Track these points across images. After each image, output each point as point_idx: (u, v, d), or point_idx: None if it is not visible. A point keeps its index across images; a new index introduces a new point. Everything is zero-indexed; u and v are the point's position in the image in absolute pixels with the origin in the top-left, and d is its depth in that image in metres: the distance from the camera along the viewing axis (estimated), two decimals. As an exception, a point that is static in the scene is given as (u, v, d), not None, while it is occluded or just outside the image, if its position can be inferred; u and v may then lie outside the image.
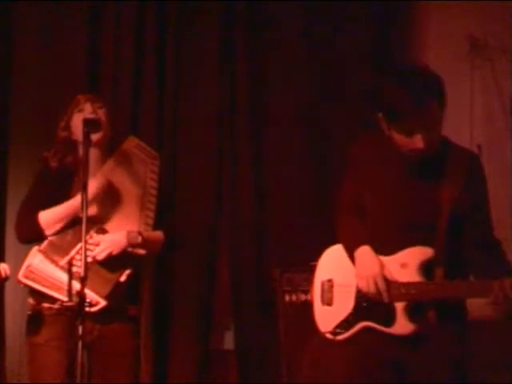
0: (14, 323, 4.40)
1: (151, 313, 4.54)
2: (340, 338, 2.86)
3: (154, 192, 3.32)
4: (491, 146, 4.43)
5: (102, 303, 3.14)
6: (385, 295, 2.77)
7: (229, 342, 4.74)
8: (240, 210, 4.71)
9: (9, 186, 4.52)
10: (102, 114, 3.30)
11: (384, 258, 2.82)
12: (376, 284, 2.78)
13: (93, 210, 3.20)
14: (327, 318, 2.92)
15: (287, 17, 4.80)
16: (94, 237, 3.21)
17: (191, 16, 4.76)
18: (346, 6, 4.78)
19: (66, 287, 3.15)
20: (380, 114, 2.77)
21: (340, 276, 2.94)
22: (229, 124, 4.76)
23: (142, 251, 3.26)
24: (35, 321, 3.24)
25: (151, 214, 3.30)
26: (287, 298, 4.22)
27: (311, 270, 4.04)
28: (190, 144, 4.72)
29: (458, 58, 4.59)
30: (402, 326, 2.76)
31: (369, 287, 2.80)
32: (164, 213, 3.37)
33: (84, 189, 3.01)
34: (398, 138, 2.74)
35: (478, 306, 4.36)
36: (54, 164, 3.32)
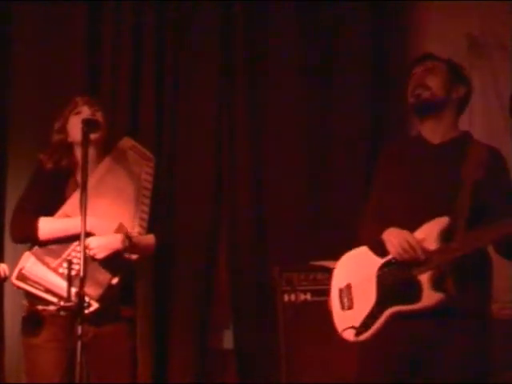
0: (13, 323, 4.39)
1: (150, 312, 4.54)
2: (364, 336, 2.88)
3: (148, 193, 3.32)
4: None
5: (95, 305, 3.13)
6: (418, 251, 2.81)
7: (228, 341, 4.75)
8: (239, 210, 4.71)
9: (8, 186, 4.52)
10: (99, 116, 3.32)
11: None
12: (408, 242, 2.82)
13: (91, 222, 3.15)
14: (350, 321, 2.94)
15: (286, 13, 4.81)
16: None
17: (190, 16, 4.76)
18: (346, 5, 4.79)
19: (57, 290, 3.14)
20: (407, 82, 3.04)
21: (358, 277, 2.97)
22: (228, 124, 4.76)
23: (133, 256, 3.26)
24: (30, 322, 3.24)
25: (145, 216, 3.29)
26: (286, 297, 4.22)
27: (310, 270, 4.06)
28: (189, 144, 4.72)
29: (456, 57, 4.57)
30: (429, 297, 2.78)
31: (402, 247, 2.83)
32: (159, 217, 3.36)
33: (83, 188, 3.01)
34: (410, 86, 3.00)
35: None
36: (49, 166, 3.33)
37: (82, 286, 2.94)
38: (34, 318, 3.23)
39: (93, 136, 3.22)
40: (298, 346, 4.03)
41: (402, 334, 2.83)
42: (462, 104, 3.05)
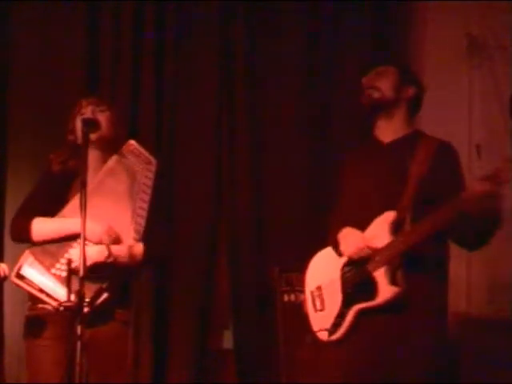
0: (13, 323, 4.40)
1: (150, 313, 4.54)
2: (335, 336, 2.95)
3: (146, 198, 3.29)
4: (490, 146, 4.42)
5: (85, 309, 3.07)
6: (366, 250, 2.92)
7: (227, 341, 4.75)
8: (239, 211, 4.71)
9: (8, 185, 4.51)
10: (103, 116, 3.31)
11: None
12: (358, 242, 2.94)
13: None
14: (323, 323, 3.01)
15: (286, 13, 4.81)
16: (75, 246, 3.17)
17: (190, 16, 4.76)
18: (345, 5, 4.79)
19: (48, 290, 3.14)
20: None
21: (326, 278, 3.04)
22: (228, 125, 4.76)
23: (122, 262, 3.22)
24: (32, 321, 3.25)
25: (141, 221, 3.26)
26: (286, 297, 4.22)
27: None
28: (189, 144, 4.72)
29: (456, 57, 4.59)
30: (384, 292, 2.86)
31: (354, 246, 2.95)
32: (154, 227, 3.30)
33: (83, 188, 3.00)
34: (362, 89, 3.14)
35: (477, 304, 4.39)
36: (56, 167, 3.35)
37: (81, 286, 2.93)
38: (36, 318, 3.24)
39: (92, 136, 3.21)
40: (297, 345, 4.03)
41: (369, 331, 2.90)
42: (413, 103, 3.13)
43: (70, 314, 2.98)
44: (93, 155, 3.25)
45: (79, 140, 3.31)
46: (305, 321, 3.10)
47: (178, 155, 4.69)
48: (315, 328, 3.05)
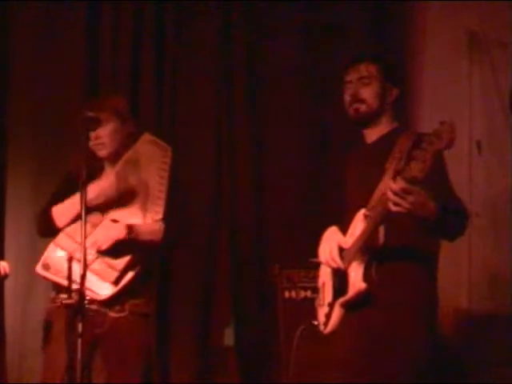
0: (15, 319, 4.41)
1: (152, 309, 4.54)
2: (327, 329, 2.99)
3: (164, 181, 3.38)
4: (491, 142, 4.44)
5: (110, 289, 3.20)
6: (337, 261, 2.94)
7: (228, 338, 4.75)
8: (239, 208, 4.72)
9: (8, 184, 4.51)
10: (104, 133, 3.34)
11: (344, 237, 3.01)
12: (330, 253, 2.97)
13: (103, 203, 3.29)
14: (322, 315, 3.05)
15: (286, 13, 4.79)
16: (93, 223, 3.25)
17: (190, 14, 4.75)
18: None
19: (75, 276, 3.14)
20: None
21: (327, 275, 3.06)
22: (228, 125, 4.76)
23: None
24: (51, 314, 3.30)
25: (160, 203, 3.34)
26: (287, 294, 4.23)
27: (310, 267, 4.05)
28: (189, 144, 4.72)
29: (456, 52, 4.58)
30: (353, 286, 2.87)
31: (325, 257, 2.99)
32: (173, 206, 3.38)
33: (83, 186, 3.02)
34: (346, 95, 3.07)
35: (478, 300, 4.39)
36: (76, 169, 3.32)
37: (82, 284, 2.94)
38: (55, 309, 3.26)
39: (101, 153, 3.34)
40: (298, 343, 4.03)
41: (351, 324, 2.92)
42: (397, 103, 3.13)
43: (70, 311, 3.00)
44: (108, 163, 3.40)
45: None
46: (312, 315, 3.12)
47: (177, 154, 4.67)
48: (317, 322, 3.09)
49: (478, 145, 4.35)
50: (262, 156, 4.77)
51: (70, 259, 3.14)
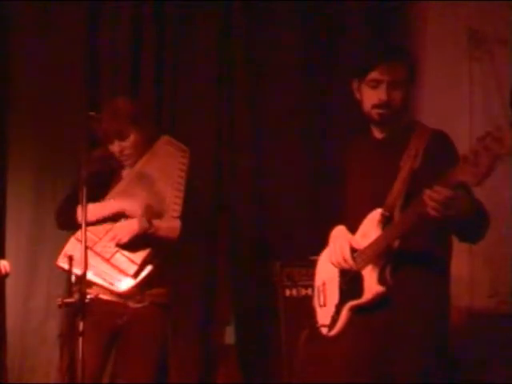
0: (16, 319, 4.41)
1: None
2: (333, 332, 2.93)
3: (183, 181, 3.46)
4: (491, 139, 4.43)
5: (129, 282, 3.27)
6: (349, 262, 2.86)
7: (229, 336, 4.75)
8: (240, 205, 4.72)
9: (8, 182, 4.51)
10: (127, 145, 3.43)
11: (354, 235, 2.91)
12: (342, 254, 2.88)
13: (123, 203, 3.39)
14: (324, 318, 3.00)
15: (286, 11, 4.80)
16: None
17: (190, 14, 4.75)
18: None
19: (99, 271, 3.28)
20: (354, 82, 2.94)
21: (329, 274, 3.00)
22: (228, 120, 4.76)
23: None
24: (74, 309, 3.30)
25: (179, 202, 3.42)
26: (287, 292, 4.23)
27: (311, 265, 4.05)
28: (189, 141, 4.70)
29: (457, 50, 4.58)
30: (369, 290, 2.81)
31: (337, 258, 2.89)
32: (191, 204, 3.45)
33: (83, 185, 3.01)
34: (365, 93, 2.89)
35: (479, 299, 4.39)
36: (97, 165, 3.44)
37: (83, 282, 2.94)
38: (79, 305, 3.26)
39: (122, 158, 3.44)
40: (299, 340, 4.03)
41: (364, 328, 2.85)
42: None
43: (71, 309, 3.00)
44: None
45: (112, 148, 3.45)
46: (311, 315, 3.08)
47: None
48: (319, 323, 3.04)
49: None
50: (263, 152, 4.77)
51: (71, 258, 3.14)
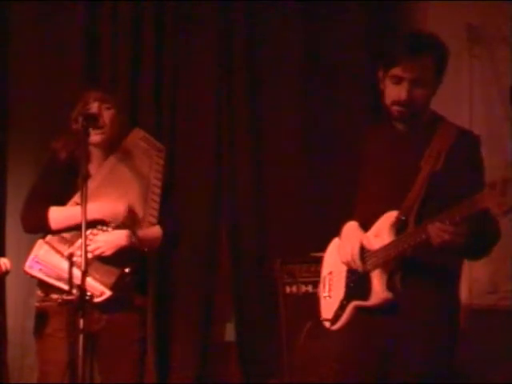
0: (16, 317, 4.41)
1: (152, 306, 4.54)
2: (336, 326, 2.89)
3: (159, 183, 3.35)
4: (491, 136, 4.43)
5: (107, 293, 3.18)
6: (357, 263, 2.79)
7: (230, 333, 4.76)
8: (240, 203, 4.72)
9: (9, 180, 4.52)
10: (108, 115, 3.30)
11: (367, 233, 2.84)
12: (352, 253, 2.81)
13: (103, 210, 3.25)
14: (327, 311, 2.96)
15: (286, 11, 4.81)
16: (95, 232, 3.24)
17: (190, 14, 4.75)
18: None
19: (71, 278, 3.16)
20: (379, 72, 2.79)
21: (338, 265, 2.95)
22: (228, 121, 4.77)
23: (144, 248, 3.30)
24: (43, 312, 3.27)
25: (155, 206, 3.32)
26: (288, 289, 4.23)
27: (311, 261, 4.05)
28: (189, 140, 4.72)
29: (456, 47, 4.57)
30: (377, 295, 2.76)
31: (346, 257, 2.83)
32: (168, 208, 3.38)
33: (83, 184, 3.00)
34: (387, 87, 2.74)
35: (479, 296, 4.39)
36: (62, 155, 3.33)
37: (83, 281, 2.94)
38: (47, 308, 3.25)
39: (95, 138, 3.24)
40: (299, 337, 4.04)
41: (367, 326, 2.81)
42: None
43: (71, 307, 3.00)
44: (95, 153, 3.31)
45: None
46: (315, 305, 3.05)
47: (177, 151, 4.69)
48: (322, 314, 2.99)
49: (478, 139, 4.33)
50: (263, 150, 4.77)
51: (71, 256, 3.15)
